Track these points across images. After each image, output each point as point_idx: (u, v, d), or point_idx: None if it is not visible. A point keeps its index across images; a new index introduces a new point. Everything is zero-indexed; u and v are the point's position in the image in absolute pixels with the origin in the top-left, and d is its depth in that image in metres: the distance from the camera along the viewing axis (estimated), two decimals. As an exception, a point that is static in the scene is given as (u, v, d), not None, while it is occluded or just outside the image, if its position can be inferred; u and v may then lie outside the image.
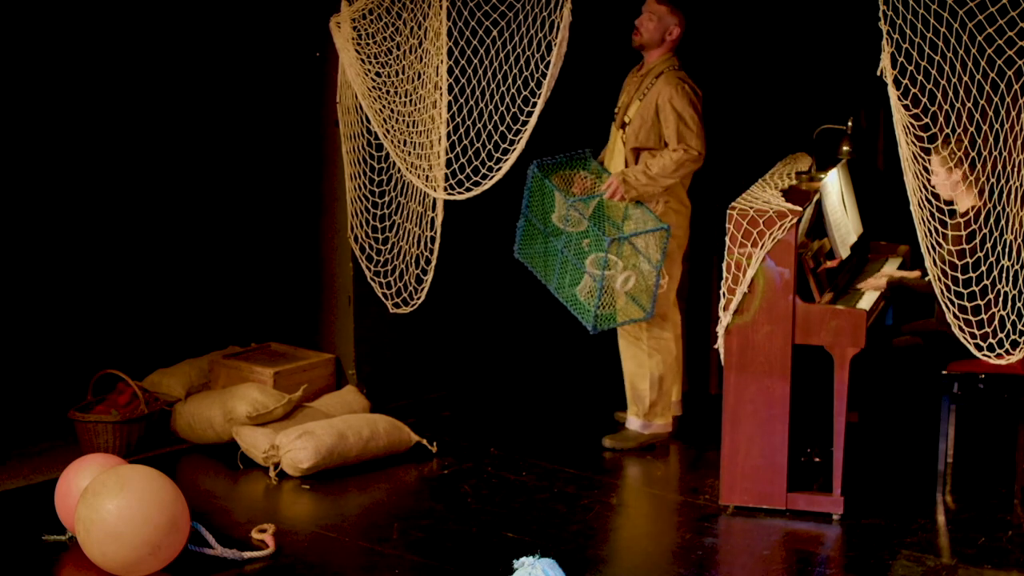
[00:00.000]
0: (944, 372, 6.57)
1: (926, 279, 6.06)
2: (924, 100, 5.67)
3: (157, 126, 7.76)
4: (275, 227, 8.08)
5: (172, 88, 7.77)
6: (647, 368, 7.28)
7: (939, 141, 5.81)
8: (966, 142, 5.87)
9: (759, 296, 6.32)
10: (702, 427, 7.46)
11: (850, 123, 7.33)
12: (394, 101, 6.91)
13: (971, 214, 6.18)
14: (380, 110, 6.95)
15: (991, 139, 5.68)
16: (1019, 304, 5.67)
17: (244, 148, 8.02)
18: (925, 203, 5.83)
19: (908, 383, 7.31)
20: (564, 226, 7.04)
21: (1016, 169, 5.63)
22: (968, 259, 5.93)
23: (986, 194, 5.87)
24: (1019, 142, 5.60)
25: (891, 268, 7.20)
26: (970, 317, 5.80)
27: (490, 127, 6.57)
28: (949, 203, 6.08)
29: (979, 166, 5.93)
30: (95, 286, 7.65)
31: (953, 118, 5.63)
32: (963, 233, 6.00)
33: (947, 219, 5.91)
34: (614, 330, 7.42)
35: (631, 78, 7.30)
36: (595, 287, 6.90)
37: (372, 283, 7.38)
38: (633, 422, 7.37)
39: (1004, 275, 5.70)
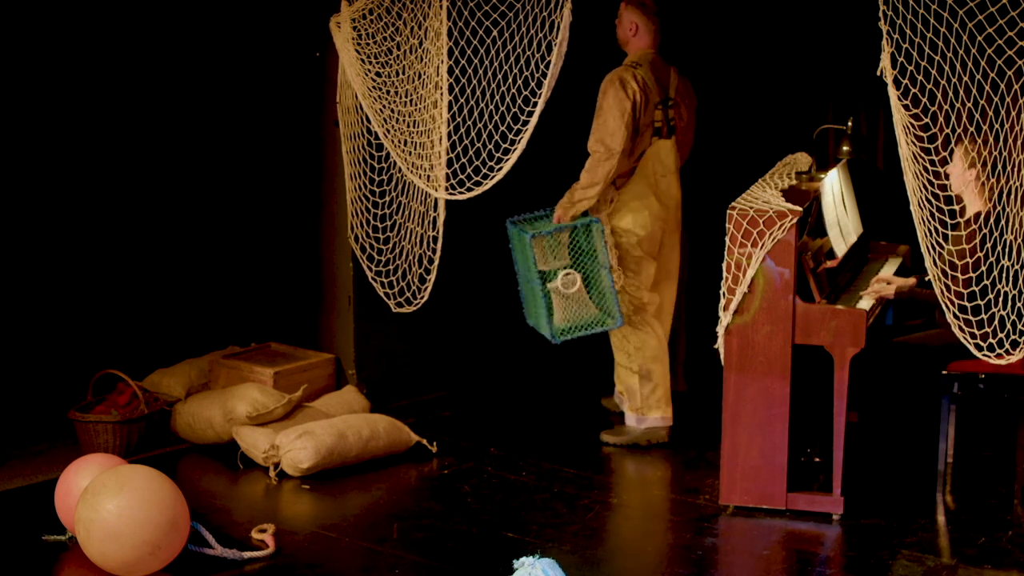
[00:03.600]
0: (944, 372, 6.58)
1: (927, 279, 6.06)
2: (924, 100, 5.67)
3: (157, 126, 7.77)
4: (275, 227, 8.08)
5: (172, 88, 7.77)
6: (635, 362, 7.34)
7: (967, 137, 5.81)
8: (992, 143, 5.86)
9: (759, 296, 6.32)
10: (702, 427, 7.46)
11: (850, 123, 7.33)
12: (394, 101, 6.91)
13: (981, 219, 6.17)
14: (380, 110, 6.95)
15: (991, 139, 5.69)
16: (1019, 304, 5.67)
17: (244, 148, 8.02)
18: (925, 203, 5.83)
19: (908, 383, 7.31)
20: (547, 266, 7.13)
21: (1016, 169, 5.63)
22: (968, 259, 5.93)
23: (995, 198, 5.87)
24: (1019, 142, 5.60)
25: (891, 269, 7.20)
26: (970, 317, 5.80)
27: (491, 127, 6.57)
28: (953, 202, 6.06)
29: (999, 169, 5.92)
30: (95, 286, 7.65)
31: (953, 118, 5.63)
32: (963, 233, 6.00)
33: (948, 219, 5.91)
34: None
35: None
36: (553, 299, 6.99)
37: (373, 283, 7.38)
38: (629, 418, 7.39)
39: (1004, 275, 5.70)
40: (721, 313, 6.36)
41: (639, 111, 7.06)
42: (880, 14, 5.64)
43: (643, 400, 7.35)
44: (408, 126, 6.90)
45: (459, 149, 6.70)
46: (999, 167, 5.75)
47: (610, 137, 7.02)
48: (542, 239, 7.04)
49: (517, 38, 6.40)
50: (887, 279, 6.79)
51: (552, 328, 7.08)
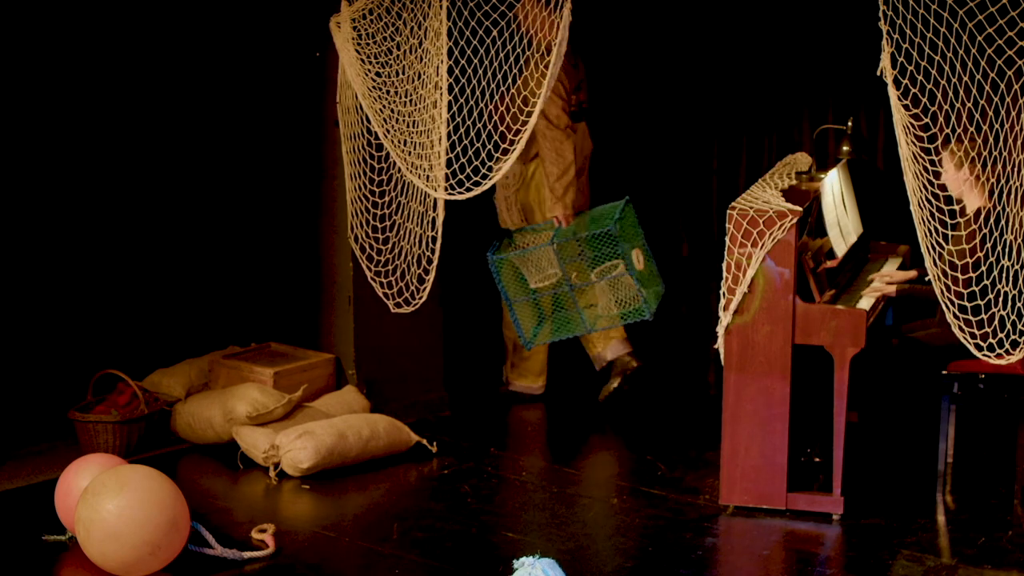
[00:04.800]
0: (944, 372, 6.58)
1: (927, 279, 6.06)
2: (924, 100, 5.67)
3: (158, 126, 7.76)
4: (275, 227, 8.08)
5: (172, 88, 7.77)
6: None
7: (954, 138, 5.82)
8: (979, 141, 5.87)
9: (759, 296, 6.32)
10: (702, 427, 7.46)
11: (850, 123, 7.33)
12: (394, 101, 6.90)
13: (981, 216, 6.18)
14: (380, 110, 6.95)
15: (991, 139, 5.69)
16: (1019, 304, 5.67)
17: (244, 148, 8.02)
18: (925, 203, 5.83)
19: (908, 383, 7.31)
20: (546, 279, 7.18)
21: (1016, 169, 5.63)
22: (969, 259, 5.93)
23: (995, 196, 5.87)
24: (1019, 142, 5.60)
25: (891, 269, 7.20)
26: (970, 317, 5.79)
27: (490, 127, 6.57)
28: (953, 202, 6.07)
29: (990, 166, 5.93)
30: (95, 286, 7.65)
31: (953, 118, 5.63)
32: (963, 233, 6.00)
33: (948, 219, 5.91)
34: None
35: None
36: (631, 282, 7.04)
37: (373, 283, 7.37)
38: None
39: (1004, 275, 5.70)
40: (721, 313, 6.36)
41: (567, 93, 7.38)
42: (880, 14, 5.64)
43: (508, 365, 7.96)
44: (408, 126, 6.89)
45: (458, 149, 6.69)
46: (999, 164, 5.75)
47: (556, 119, 7.38)
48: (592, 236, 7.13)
49: (517, 38, 6.40)
50: (889, 275, 6.79)
51: (646, 304, 7.15)
